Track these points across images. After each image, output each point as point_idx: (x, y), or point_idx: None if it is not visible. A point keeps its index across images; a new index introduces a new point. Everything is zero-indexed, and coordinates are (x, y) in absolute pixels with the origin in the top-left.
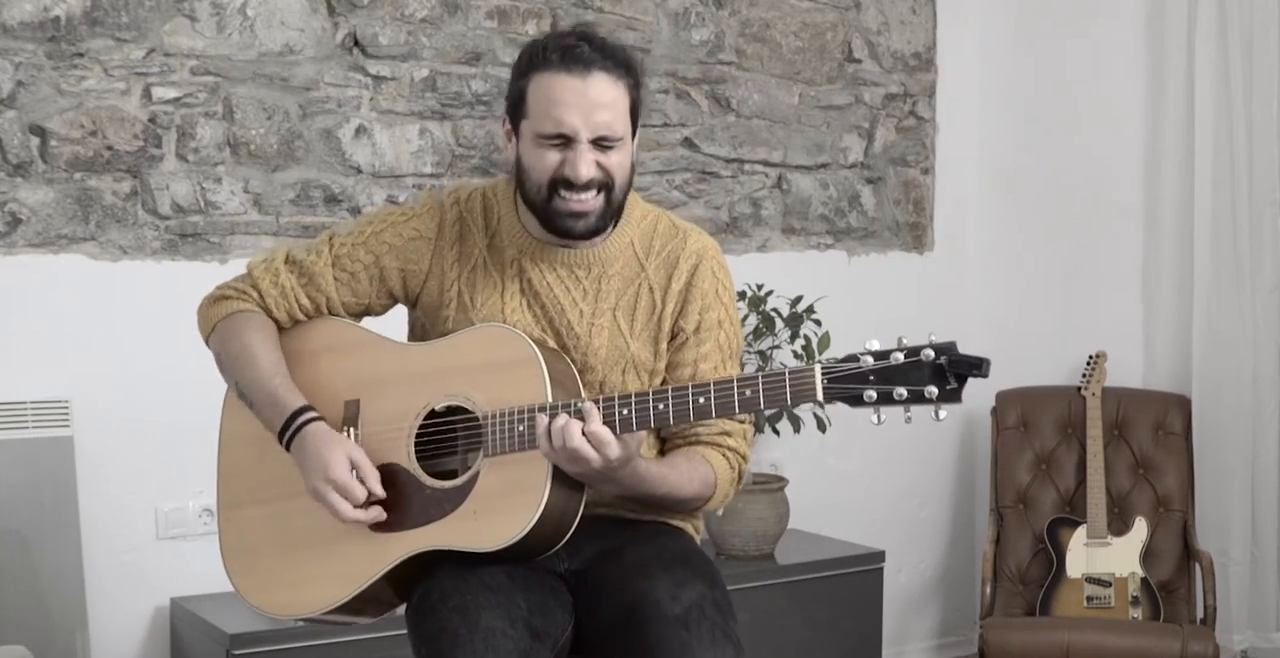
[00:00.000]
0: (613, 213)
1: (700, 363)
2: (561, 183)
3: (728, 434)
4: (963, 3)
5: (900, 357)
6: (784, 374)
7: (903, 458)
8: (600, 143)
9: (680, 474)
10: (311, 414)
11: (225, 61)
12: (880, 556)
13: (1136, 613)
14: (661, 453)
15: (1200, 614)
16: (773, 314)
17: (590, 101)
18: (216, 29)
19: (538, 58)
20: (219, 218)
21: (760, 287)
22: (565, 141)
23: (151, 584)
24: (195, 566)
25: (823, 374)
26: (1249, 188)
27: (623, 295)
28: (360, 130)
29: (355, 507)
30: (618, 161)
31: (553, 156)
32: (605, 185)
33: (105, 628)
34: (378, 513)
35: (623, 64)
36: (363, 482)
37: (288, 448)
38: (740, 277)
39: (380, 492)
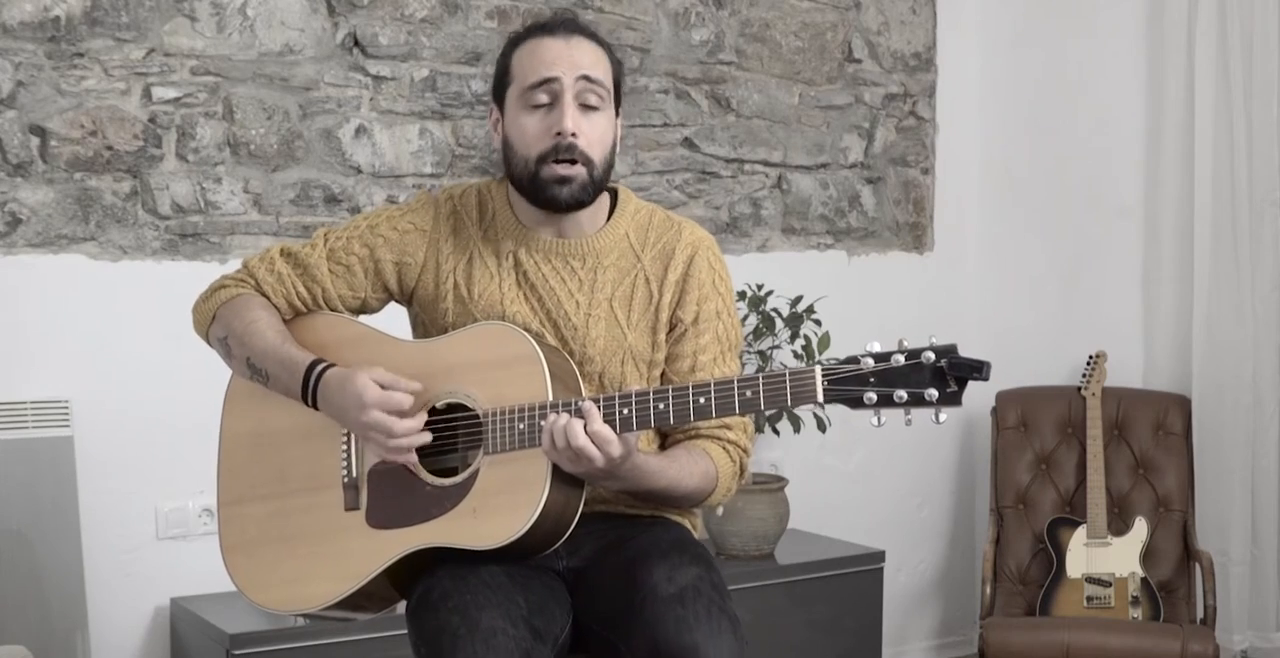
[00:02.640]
0: (596, 185)
1: (699, 355)
2: (549, 153)
3: (727, 427)
4: (963, 3)
5: (901, 359)
6: (784, 375)
7: (903, 458)
8: (584, 101)
9: (680, 467)
10: (326, 363)
11: (225, 61)
12: (880, 556)
13: (1136, 613)
14: (662, 447)
15: (1200, 614)
16: (773, 314)
17: (572, 58)
18: (216, 29)
19: (520, 35)
20: (219, 218)
21: (760, 287)
22: (550, 100)
23: (151, 584)
24: (195, 565)
25: (823, 376)
26: (1249, 188)
27: (619, 286)
28: (360, 130)
29: (406, 419)
30: (602, 128)
31: (538, 123)
32: (587, 160)
33: (105, 628)
34: (425, 437)
35: (604, 43)
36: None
37: (314, 404)
38: (740, 277)
39: (418, 387)
